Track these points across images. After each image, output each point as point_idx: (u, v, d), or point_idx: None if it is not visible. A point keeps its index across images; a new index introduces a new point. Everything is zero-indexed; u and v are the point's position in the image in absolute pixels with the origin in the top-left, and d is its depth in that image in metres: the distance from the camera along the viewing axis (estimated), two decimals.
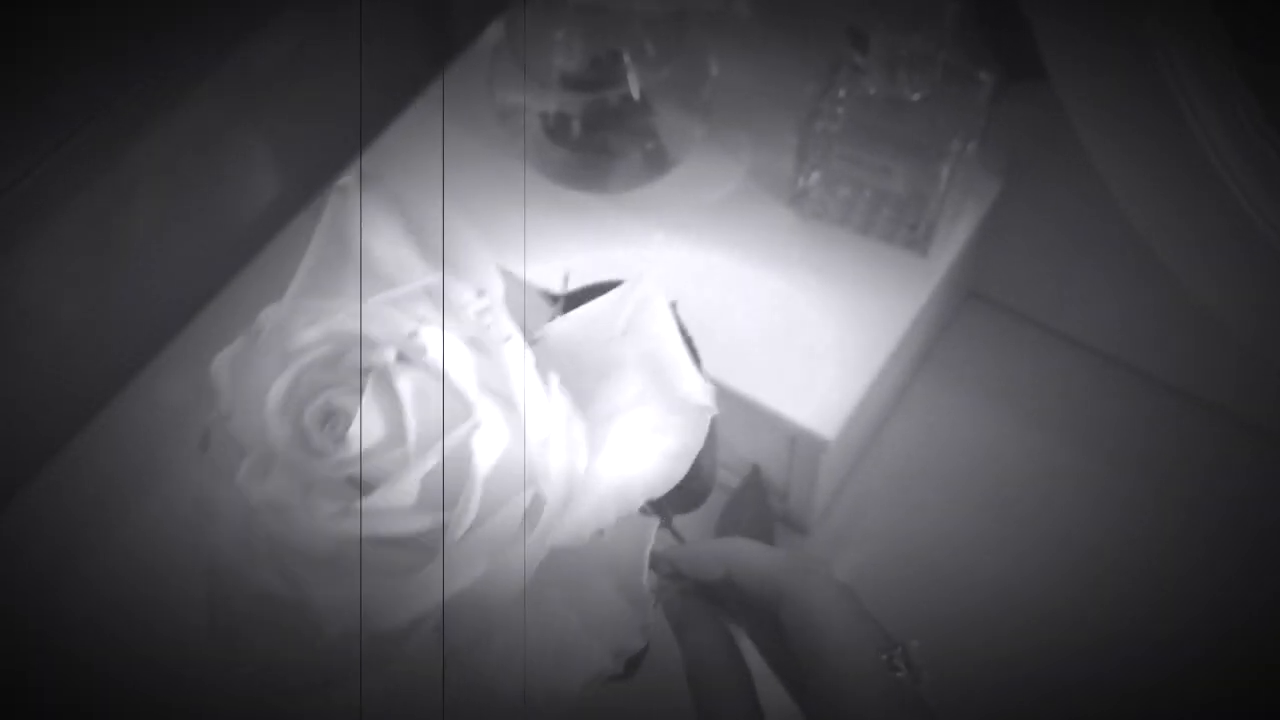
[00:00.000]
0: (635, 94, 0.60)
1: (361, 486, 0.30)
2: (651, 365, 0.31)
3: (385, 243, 0.33)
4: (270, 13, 0.64)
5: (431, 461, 0.29)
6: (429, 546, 0.30)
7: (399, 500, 0.29)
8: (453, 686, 0.35)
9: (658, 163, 0.62)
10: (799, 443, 0.56)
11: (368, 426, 0.29)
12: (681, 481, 0.32)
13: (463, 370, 0.30)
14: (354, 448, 0.29)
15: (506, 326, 0.31)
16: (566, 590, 0.32)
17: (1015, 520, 0.62)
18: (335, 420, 0.30)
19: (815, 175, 0.59)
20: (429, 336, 0.30)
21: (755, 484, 0.59)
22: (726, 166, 0.63)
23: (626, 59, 0.59)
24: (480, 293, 0.31)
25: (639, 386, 0.32)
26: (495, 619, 0.31)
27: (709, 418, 0.31)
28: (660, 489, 0.31)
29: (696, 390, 0.31)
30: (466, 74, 0.66)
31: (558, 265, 0.45)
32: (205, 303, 0.69)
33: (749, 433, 0.58)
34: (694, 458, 0.31)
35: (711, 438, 0.43)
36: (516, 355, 0.30)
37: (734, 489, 0.60)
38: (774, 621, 0.35)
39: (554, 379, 0.31)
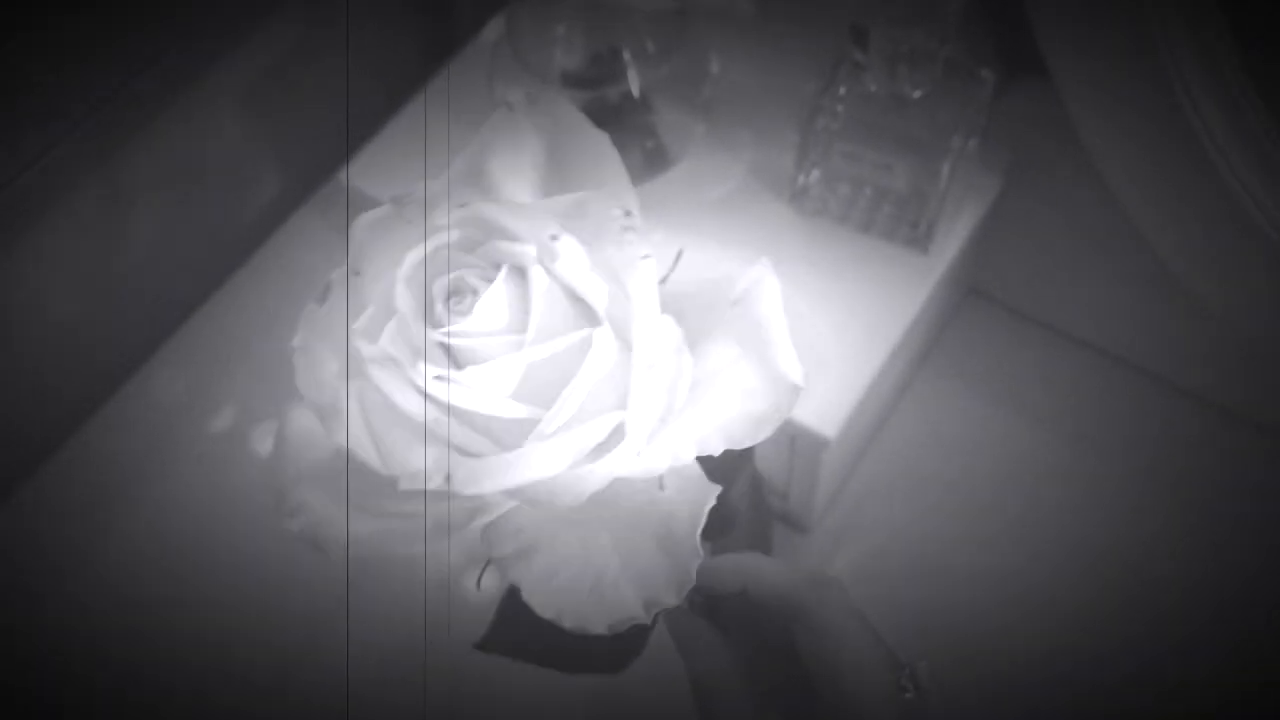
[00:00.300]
0: (635, 91, 0.59)
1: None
2: (754, 337, 0.33)
3: (528, 165, 0.35)
4: (269, 10, 0.63)
5: (543, 355, 0.31)
6: (514, 436, 0.31)
7: (501, 381, 0.31)
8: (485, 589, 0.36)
9: (658, 160, 0.62)
10: (799, 441, 0.56)
11: (492, 311, 0.31)
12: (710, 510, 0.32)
13: (593, 288, 0.32)
14: (474, 323, 0.31)
15: (645, 248, 0.32)
16: (617, 534, 0.33)
17: (1016, 519, 0.62)
18: (462, 296, 0.32)
19: (816, 173, 0.59)
20: (566, 245, 0.32)
21: (752, 483, 0.59)
22: (727, 164, 0.63)
23: (626, 56, 0.59)
24: (628, 213, 0.33)
25: (738, 352, 0.33)
26: (543, 537, 0.33)
27: (797, 394, 0.32)
28: (739, 444, 0.32)
29: (792, 368, 0.32)
30: (466, 70, 0.66)
31: None
32: (203, 300, 0.68)
33: None
34: (776, 426, 0.32)
35: (752, 474, 0.44)
36: (648, 273, 0.32)
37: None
38: (785, 638, 0.35)
39: (668, 317, 0.33)
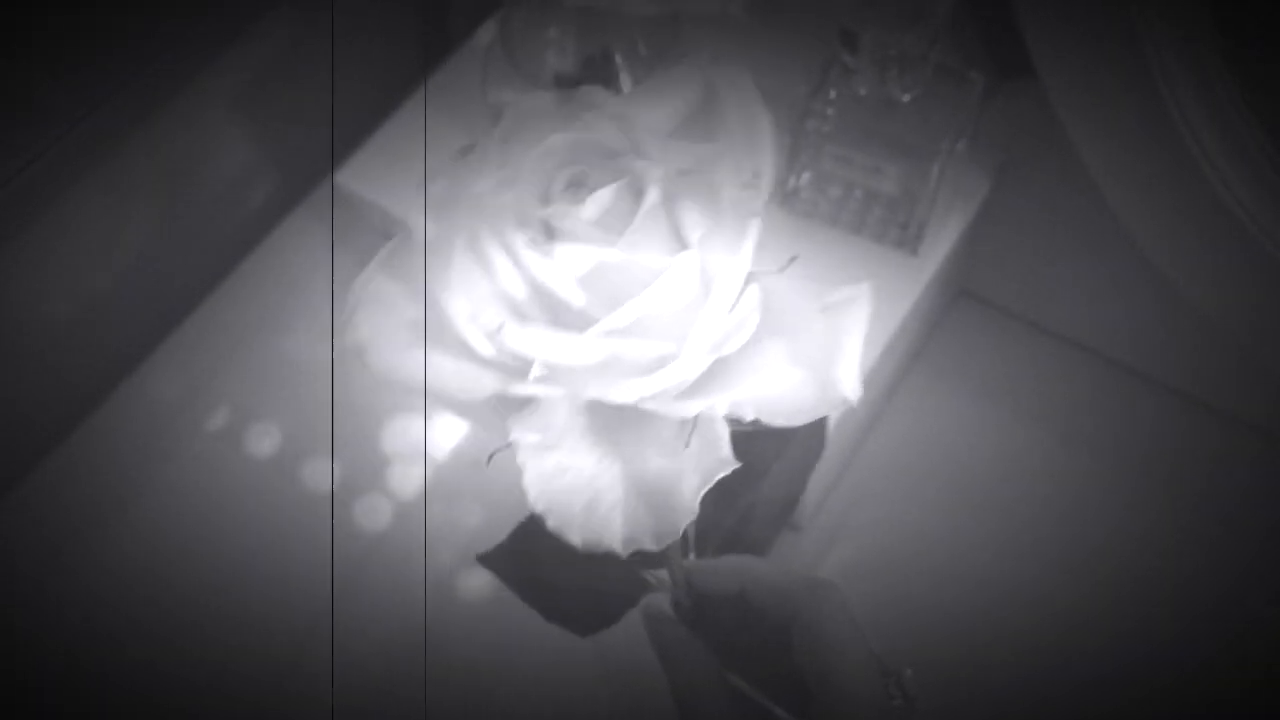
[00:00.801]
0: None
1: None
2: (828, 340, 0.33)
3: (683, 111, 0.36)
4: (264, 10, 0.64)
5: (619, 258, 0.32)
6: (577, 326, 0.33)
7: (573, 265, 0.32)
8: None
9: None
10: None
11: (598, 208, 0.33)
12: (737, 523, 0.33)
13: (694, 224, 0.33)
14: (580, 211, 0.33)
15: (757, 206, 0.33)
16: (629, 471, 0.34)
17: (1007, 519, 0.62)
18: (579, 189, 0.33)
19: (806, 175, 0.59)
20: (688, 182, 0.33)
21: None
22: None
23: (619, 59, 0.59)
24: (756, 174, 0.34)
25: (806, 351, 0.33)
26: (565, 441, 0.34)
27: (843, 406, 0.33)
28: (770, 421, 0.33)
29: (849, 382, 0.33)
30: (460, 72, 0.67)
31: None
32: (200, 299, 0.69)
33: None
34: (809, 420, 0.33)
35: (789, 502, 0.44)
36: (751, 230, 0.33)
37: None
38: (781, 641, 0.35)
39: (755, 285, 0.34)
